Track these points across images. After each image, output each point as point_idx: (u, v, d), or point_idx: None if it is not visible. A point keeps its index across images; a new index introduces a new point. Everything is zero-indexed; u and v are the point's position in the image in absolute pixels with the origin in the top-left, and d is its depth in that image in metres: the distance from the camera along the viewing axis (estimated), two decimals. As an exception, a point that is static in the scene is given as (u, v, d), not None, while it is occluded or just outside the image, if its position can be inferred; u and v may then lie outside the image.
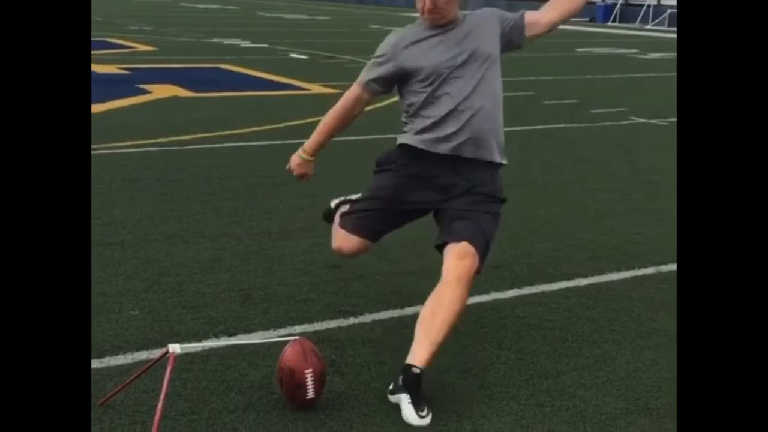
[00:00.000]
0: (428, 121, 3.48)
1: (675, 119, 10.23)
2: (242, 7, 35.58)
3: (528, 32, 3.60)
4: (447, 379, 3.49)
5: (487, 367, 3.61)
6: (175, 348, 2.85)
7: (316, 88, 12.10)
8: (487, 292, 4.46)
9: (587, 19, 35.24)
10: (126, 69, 13.29)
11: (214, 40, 19.50)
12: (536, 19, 3.61)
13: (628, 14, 36.01)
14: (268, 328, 3.92)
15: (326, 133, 3.70)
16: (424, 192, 3.56)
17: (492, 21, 3.57)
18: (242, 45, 18.54)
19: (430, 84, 3.45)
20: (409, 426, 3.11)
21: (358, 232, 3.72)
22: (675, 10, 34.26)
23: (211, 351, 3.64)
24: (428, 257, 5.01)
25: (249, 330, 3.89)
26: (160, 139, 7.97)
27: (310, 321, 4.01)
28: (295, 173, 3.82)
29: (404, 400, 3.15)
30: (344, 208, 3.88)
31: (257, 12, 32.99)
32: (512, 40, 3.60)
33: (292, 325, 3.96)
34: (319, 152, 3.76)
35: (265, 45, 18.70)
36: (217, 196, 6.18)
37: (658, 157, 8.22)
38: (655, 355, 3.81)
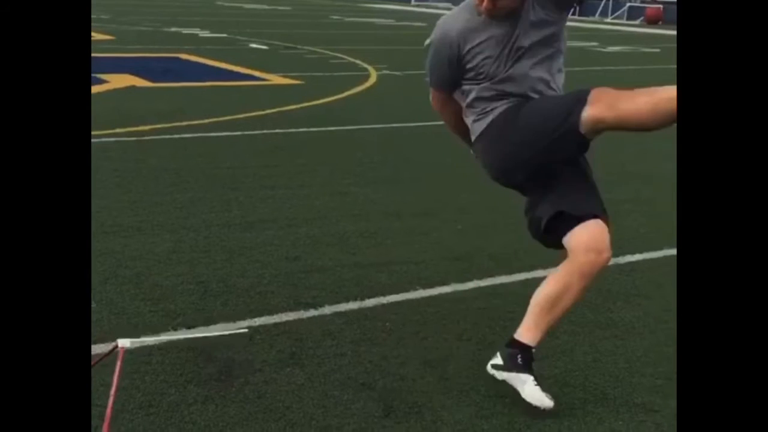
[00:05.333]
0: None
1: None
2: (201, -3, 35.27)
3: None
4: (407, 371, 3.49)
5: (447, 359, 3.62)
6: (125, 343, 2.81)
7: (276, 79, 12.00)
8: (447, 283, 4.47)
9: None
10: (82, 58, 13.09)
11: (173, 29, 19.30)
12: None
13: (587, 7, 36.33)
14: (227, 321, 3.89)
15: (460, 137, 3.56)
16: None
17: None
18: (201, 35, 18.38)
19: (489, 80, 3.18)
20: (368, 416, 3.11)
21: None
22: (633, 4, 34.69)
23: (170, 344, 3.61)
24: (387, 248, 5.03)
25: (208, 322, 3.86)
26: (117, 130, 7.87)
27: (270, 313, 3.99)
28: None
29: (529, 382, 3.16)
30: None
31: (216, 2, 32.70)
32: None
33: (252, 317, 3.93)
34: None
35: (225, 35, 18.55)
36: (176, 187, 6.11)
37: (620, 152, 8.29)
38: (613, 346, 3.85)
